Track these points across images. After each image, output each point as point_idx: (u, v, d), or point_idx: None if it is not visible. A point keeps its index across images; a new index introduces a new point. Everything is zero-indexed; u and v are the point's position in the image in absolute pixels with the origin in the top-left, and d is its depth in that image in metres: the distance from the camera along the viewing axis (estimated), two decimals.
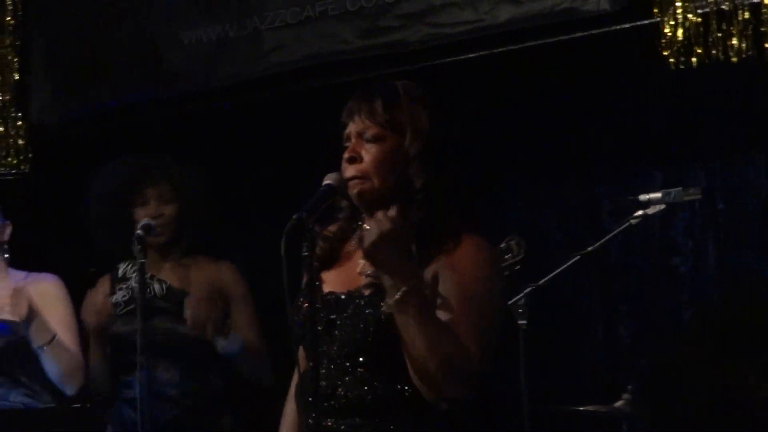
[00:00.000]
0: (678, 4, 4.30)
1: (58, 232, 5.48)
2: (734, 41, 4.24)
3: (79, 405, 4.16)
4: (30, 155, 5.64)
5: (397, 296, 2.65)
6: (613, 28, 4.42)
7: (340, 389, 2.74)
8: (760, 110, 4.49)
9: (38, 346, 4.13)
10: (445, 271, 2.74)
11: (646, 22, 4.38)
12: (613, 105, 4.82)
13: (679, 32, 4.30)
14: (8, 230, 4.36)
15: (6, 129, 5.63)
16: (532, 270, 3.86)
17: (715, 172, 4.57)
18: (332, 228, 2.93)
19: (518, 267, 3.82)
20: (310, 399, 2.69)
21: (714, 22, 4.27)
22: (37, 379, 4.22)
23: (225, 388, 4.20)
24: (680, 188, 3.91)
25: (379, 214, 2.69)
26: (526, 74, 4.77)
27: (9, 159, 5.62)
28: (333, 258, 2.91)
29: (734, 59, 4.25)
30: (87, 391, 4.20)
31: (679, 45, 4.30)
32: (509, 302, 3.74)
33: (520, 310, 3.80)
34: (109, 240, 4.22)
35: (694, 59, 4.30)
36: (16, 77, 5.66)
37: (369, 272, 2.76)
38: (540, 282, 3.85)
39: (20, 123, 5.64)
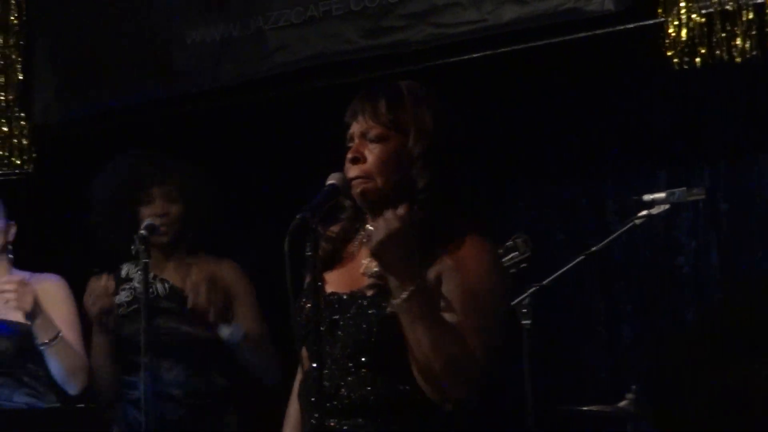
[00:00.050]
0: (682, 4, 4.30)
1: (61, 232, 5.48)
2: (738, 41, 4.24)
3: (83, 405, 4.16)
4: (34, 155, 5.63)
5: (403, 296, 2.65)
6: (617, 28, 4.43)
7: (343, 389, 2.74)
8: (764, 110, 4.49)
9: (42, 342, 4.13)
10: (448, 272, 2.73)
11: (650, 22, 4.38)
12: (617, 105, 4.82)
13: (683, 32, 4.30)
14: (12, 230, 4.35)
15: (10, 129, 5.63)
16: (536, 270, 3.86)
17: (719, 172, 4.57)
18: (335, 228, 2.93)
19: (524, 265, 3.82)
20: (313, 399, 2.70)
21: (718, 22, 4.27)
22: (41, 380, 4.22)
23: (229, 387, 4.18)
24: (684, 188, 3.92)
25: (388, 213, 2.68)
26: (529, 74, 4.77)
27: (13, 159, 5.62)
28: (336, 258, 2.90)
29: (738, 59, 4.25)
30: (91, 391, 4.19)
31: (683, 45, 4.31)
32: (513, 302, 3.74)
33: (524, 310, 3.80)
34: (113, 238, 4.20)
35: (698, 59, 4.30)
36: (20, 77, 5.66)
37: (372, 273, 2.76)
38: (544, 282, 3.85)
39: (24, 123, 5.64)
